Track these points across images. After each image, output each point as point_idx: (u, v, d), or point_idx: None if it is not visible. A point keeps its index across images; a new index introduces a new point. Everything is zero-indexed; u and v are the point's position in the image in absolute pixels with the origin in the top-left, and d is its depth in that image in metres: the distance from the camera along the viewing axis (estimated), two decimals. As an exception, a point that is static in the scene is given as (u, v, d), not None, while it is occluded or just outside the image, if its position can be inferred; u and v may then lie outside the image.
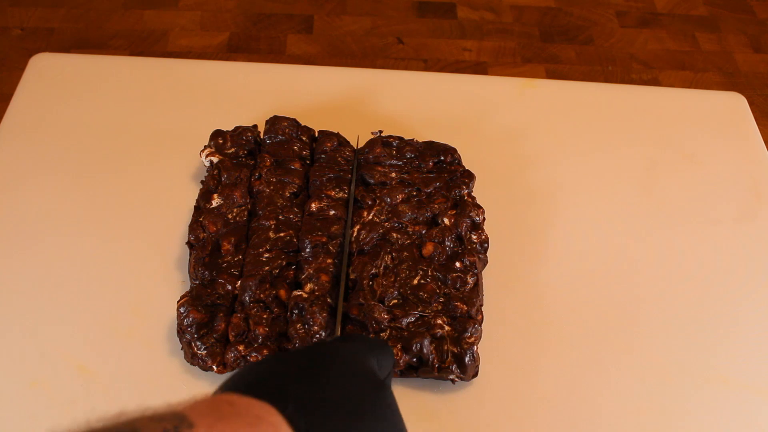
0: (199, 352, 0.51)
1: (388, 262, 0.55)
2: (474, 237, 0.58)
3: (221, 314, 0.52)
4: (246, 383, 0.34)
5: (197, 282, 0.54)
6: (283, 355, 0.40)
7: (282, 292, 0.53)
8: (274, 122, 0.64)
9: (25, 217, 0.61)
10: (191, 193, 0.62)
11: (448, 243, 0.57)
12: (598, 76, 1.44)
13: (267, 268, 0.54)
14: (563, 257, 0.61)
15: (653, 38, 1.53)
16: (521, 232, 0.63)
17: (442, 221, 0.58)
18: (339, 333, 0.52)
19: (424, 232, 0.57)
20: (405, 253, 0.56)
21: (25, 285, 0.57)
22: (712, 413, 0.53)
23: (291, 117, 0.64)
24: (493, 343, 0.55)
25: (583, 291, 0.59)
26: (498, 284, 0.58)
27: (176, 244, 0.60)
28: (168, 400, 0.30)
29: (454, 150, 0.63)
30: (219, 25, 1.47)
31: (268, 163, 0.61)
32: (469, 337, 0.52)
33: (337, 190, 0.59)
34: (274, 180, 0.60)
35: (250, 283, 0.53)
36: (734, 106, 0.75)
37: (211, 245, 0.56)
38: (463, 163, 0.63)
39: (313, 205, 0.58)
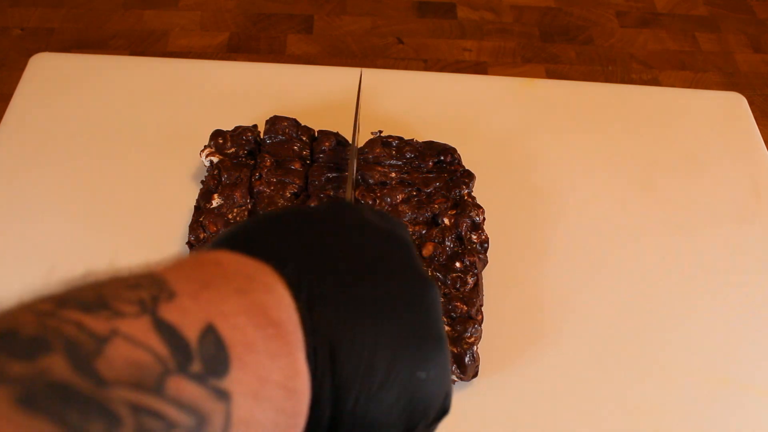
0: (199, 352, 0.51)
1: (388, 262, 0.55)
2: (474, 237, 0.58)
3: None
4: (237, 240, 0.29)
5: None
6: (280, 210, 0.32)
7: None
8: (274, 122, 0.64)
9: (25, 216, 0.61)
10: (191, 193, 0.62)
11: (448, 243, 0.57)
12: (598, 76, 1.44)
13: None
14: (563, 257, 0.61)
15: (653, 38, 1.53)
16: (521, 232, 0.63)
17: (442, 221, 0.58)
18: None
19: (424, 232, 0.57)
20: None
21: (24, 284, 0.57)
22: (712, 413, 0.53)
23: (291, 117, 0.64)
24: (493, 343, 0.55)
25: (583, 291, 0.59)
26: (498, 284, 0.59)
27: (176, 244, 0.60)
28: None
29: (454, 150, 0.63)
30: (219, 25, 1.47)
31: (268, 163, 0.61)
32: (469, 338, 0.52)
33: (337, 189, 0.59)
34: (275, 180, 0.60)
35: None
36: (734, 106, 0.75)
37: (211, 245, 0.56)
38: (463, 163, 0.63)
39: (312, 205, 0.58)
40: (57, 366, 0.18)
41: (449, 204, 0.59)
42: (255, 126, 0.65)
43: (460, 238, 0.57)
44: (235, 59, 1.38)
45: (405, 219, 0.58)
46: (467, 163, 0.63)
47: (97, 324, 0.20)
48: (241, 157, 0.62)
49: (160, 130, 0.68)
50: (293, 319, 0.25)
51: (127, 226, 0.61)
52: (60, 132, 0.67)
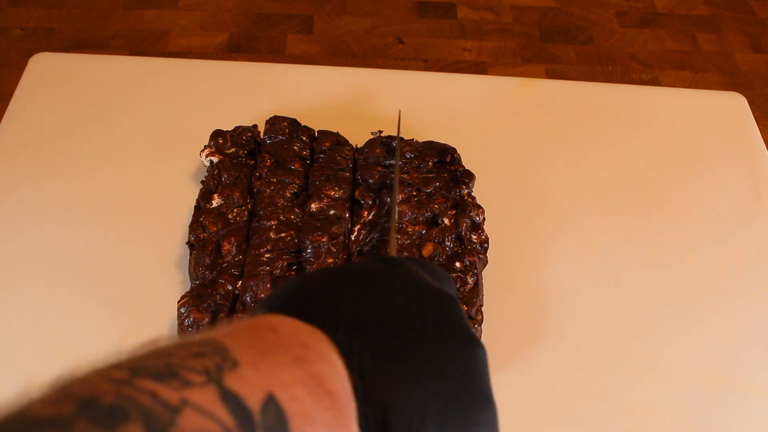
0: (199, 352, 0.51)
1: (388, 262, 0.55)
2: (474, 237, 0.58)
3: (222, 314, 0.52)
4: (290, 304, 0.30)
5: (198, 282, 0.55)
6: (329, 270, 0.35)
7: (282, 292, 0.54)
8: (274, 122, 0.64)
9: (25, 217, 0.61)
10: (191, 193, 0.62)
11: (448, 243, 0.57)
12: (598, 76, 1.44)
13: (268, 268, 0.54)
14: (563, 257, 0.61)
15: (653, 38, 1.53)
16: (521, 232, 0.63)
17: (442, 221, 0.58)
18: None
19: (424, 232, 0.57)
20: (405, 253, 0.56)
21: (24, 285, 0.57)
22: (712, 413, 0.53)
23: (291, 117, 0.64)
24: (492, 343, 0.55)
25: (583, 291, 0.59)
26: (498, 284, 0.59)
27: (176, 244, 0.60)
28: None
29: (454, 150, 0.63)
30: (219, 25, 1.47)
31: (268, 163, 0.61)
32: (469, 337, 0.52)
33: (337, 189, 0.59)
34: (275, 180, 0.60)
35: (252, 283, 0.53)
36: (734, 106, 0.75)
37: (212, 245, 0.56)
38: (463, 163, 0.63)
39: (313, 205, 0.58)
40: None
41: (449, 204, 0.59)
42: (255, 126, 0.65)
43: (460, 238, 0.57)
44: (235, 59, 1.38)
45: (405, 219, 0.58)
46: (467, 163, 0.63)
47: (169, 393, 0.21)
48: (241, 157, 0.62)
49: (160, 130, 0.68)
50: (346, 388, 0.27)
51: (127, 225, 0.61)
52: (60, 132, 0.67)
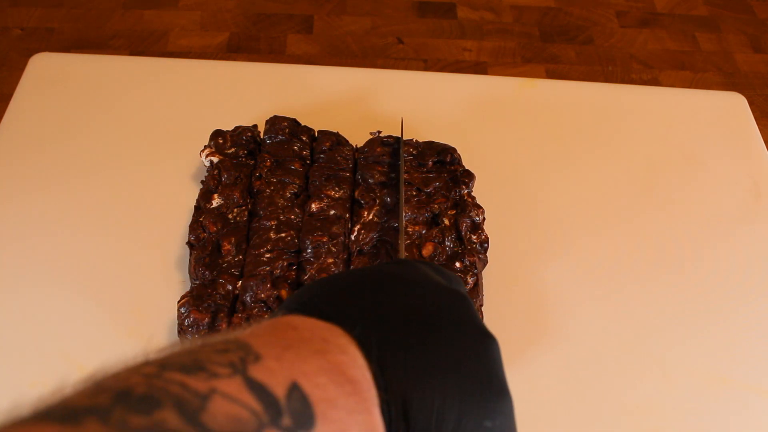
0: (199, 352, 0.51)
1: (388, 262, 0.55)
2: (474, 237, 0.58)
3: (222, 314, 0.52)
4: (307, 305, 0.31)
5: (198, 282, 0.55)
6: (344, 273, 0.36)
7: (284, 293, 0.54)
8: (274, 122, 0.64)
9: (25, 217, 0.61)
10: (191, 193, 0.62)
11: (448, 243, 0.57)
12: (598, 76, 1.44)
13: (268, 268, 0.54)
14: (563, 257, 0.61)
15: (653, 38, 1.53)
16: (521, 232, 0.63)
17: (442, 221, 0.58)
18: None
19: (424, 232, 0.57)
20: (405, 253, 0.56)
21: (25, 284, 0.57)
22: (712, 413, 0.53)
23: (291, 117, 0.64)
24: (493, 343, 0.55)
25: (582, 291, 0.59)
26: (498, 284, 0.59)
27: (176, 244, 0.60)
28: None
29: (454, 150, 0.63)
30: (219, 25, 1.47)
31: (268, 163, 0.61)
32: (469, 337, 0.52)
33: (337, 189, 0.59)
34: (275, 180, 0.60)
35: (252, 283, 0.53)
36: (734, 106, 0.75)
37: (212, 245, 0.56)
38: (463, 163, 0.63)
39: (313, 205, 0.58)
40: (170, 419, 0.20)
41: (449, 204, 0.59)
42: (255, 126, 0.65)
43: (460, 238, 0.57)
44: (235, 59, 1.38)
45: (405, 219, 0.58)
46: (467, 163, 0.63)
47: (198, 384, 0.22)
48: (241, 157, 0.62)
49: (160, 130, 0.68)
50: (367, 377, 0.28)
51: (127, 226, 0.61)
52: (60, 132, 0.67)
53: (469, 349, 0.31)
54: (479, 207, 0.59)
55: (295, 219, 0.58)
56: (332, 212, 0.58)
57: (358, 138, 0.65)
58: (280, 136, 0.63)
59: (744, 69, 1.49)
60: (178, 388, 0.22)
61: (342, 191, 0.59)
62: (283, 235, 0.56)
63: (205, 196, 0.59)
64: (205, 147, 0.63)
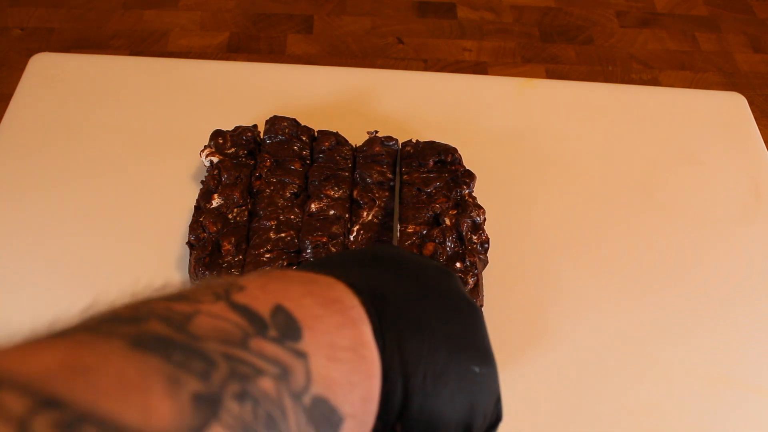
0: (199, 352, 0.51)
1: (389, 262, 0.55)
2: (475, 237, 0.58)
3: (221, 314, 0.52)
4: (303, 267, 0.33)
5: (198, 282, 0.55)
6: (334, 253, 0.38)
7: (282, 292, 0.54)
8: (274, 122, 0.64)
9: (25, 217, 0.61)
10: (191, 193, 0.62)
11: (448, 243, 0.57)
12: (598, 76, 1.44)
13: (268, 268, 0.54)
14: (563, 257, 0.61)
15: (653, 38, 1.53)
16: (522, 233, 0.63)
17: (443, 221, 0.58)
18: None
19: (424, 232, 0.57)
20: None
21: (23, 284, 0.57)
22: (712, 413, 0.53)
23: (291, 117, 0.64)
24: (493, 343, 0.55)
25: (583, 291, 0.59)
26: (498, 285, 0.59)
27: (176, 244, 0.60)
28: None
29: (455, 150, 0.63)
30: (219, 25, 1.47)
31: (268, 164, 0.61)
32: (470, 337, 0.52)
33: (336, 189, 0.59)
34: (275, 180, 0.60)
35: (251, 283, 0.53)
36: (734, 106, 0.75)
37: (212, 245, 0.56)
38: (464, 163, 0.63)
39: (312, 205, 0.58)
40: (157, 327, 0.22)
41: (450, 204, 0.59)
42: (255, 126, 0.65)
43: (460, 239, 0.57)
44: (235, 59, 1.38)
45: (405, 221, 0.58)
46: (467, 163, 0.63)
47: (182, 307, 0.24)
48: (241, 157, 0.62)
49: (160, 130, 0.68)
50: (354, 301, 0.29)
51: (127, 226, 0.61)
52: (60, 132, 0.67)
53: (458, 313, 0.33)
54: (480, 207, 0.59)
55: (295, 219, 0.58)
56: (332, 212, 0.58)
57: (357, 138, 0.65)
58: (279, 136, 0.63)
59: (744, 69, 1.49)
60: (163, 309, 0.23)
61: (341, 191, 0.59)
62: (282, 235, 0.56)
63: (205, 196, 0.59)
64: (205, 147, 0.63)
